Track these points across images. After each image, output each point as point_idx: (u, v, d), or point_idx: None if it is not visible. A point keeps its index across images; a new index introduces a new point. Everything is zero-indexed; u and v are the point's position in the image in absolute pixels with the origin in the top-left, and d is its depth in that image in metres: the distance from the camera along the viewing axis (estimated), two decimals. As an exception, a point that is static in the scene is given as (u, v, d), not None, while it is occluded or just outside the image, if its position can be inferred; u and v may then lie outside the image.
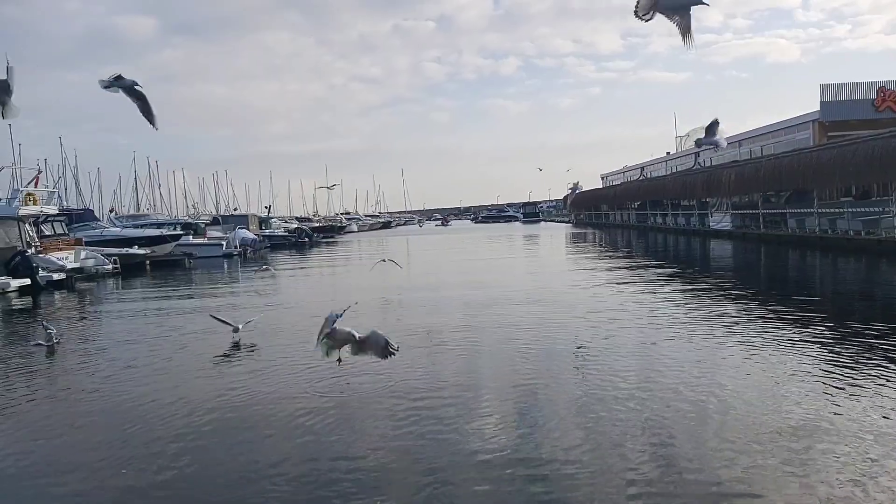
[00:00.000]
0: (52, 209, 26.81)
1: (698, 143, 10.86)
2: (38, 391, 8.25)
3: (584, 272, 20.44)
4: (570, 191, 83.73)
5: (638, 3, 6.50)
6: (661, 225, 46.74)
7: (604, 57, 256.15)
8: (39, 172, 31.25)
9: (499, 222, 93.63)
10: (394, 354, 6.62)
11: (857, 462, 4.76)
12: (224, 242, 35.55)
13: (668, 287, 15.62)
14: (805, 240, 25.70)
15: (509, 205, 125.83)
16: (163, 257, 30.51)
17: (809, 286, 16.42)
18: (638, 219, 53.99)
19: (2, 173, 30.30)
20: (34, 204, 23.99)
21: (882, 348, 8.14)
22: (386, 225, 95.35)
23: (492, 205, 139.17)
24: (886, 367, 7.24)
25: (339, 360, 6.55)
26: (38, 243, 24.01)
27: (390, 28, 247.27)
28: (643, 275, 18.62)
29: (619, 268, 21.33)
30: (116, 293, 21.48)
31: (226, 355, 9.67)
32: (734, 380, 7.09)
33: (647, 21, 6.50)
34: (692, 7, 6.38)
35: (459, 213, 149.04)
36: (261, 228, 47.14)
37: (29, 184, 26.45)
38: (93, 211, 47.95)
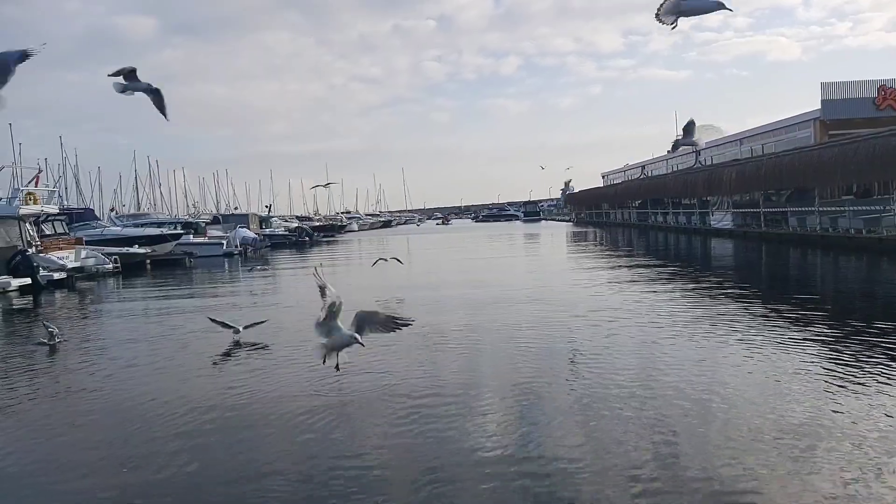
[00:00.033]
0: (53, 208, 26.84)
1: (676, 144, 10.93)
2: (38, 390, 8.25)
3: (584, 271, 20.44)
4: (561, 192, 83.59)
5: (660, 7, 6.54)
6: (661, 224, 46.70)
7: (604, 55, 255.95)
8: (40, 172, 31.31)
9: (499, 221, 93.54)
10: (406, 326, 6.29)
11: (859, 461, 4.75)
12: (224, 242, 35.54)
13: (669, 286, 15.60)
14: (806, 238, 25.68)
15: (510, 204, 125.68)
16: (163, 256, 30.51)
17: (810, 285, 16.41)
18: (639, 217, 53.96)
19: (2, 173, 30.35)
20: (35, 203, 24.00)
21: (883, 346, 8.12)
22: (386, 224, 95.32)
23: (492, 204, 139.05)
24: (888, 366, 7.22)
25: (337, 367, 6.37)
26: (39, 242, 24.01)
27: (390, 28, 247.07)
28: (644, 274, 18.60)
29: (620, 267, 21.32)
30: (117, 292, 21.49)
31: (226, 355, 9.67)
32: (735, 378, 7.09)
33: (672, 28, 6.55)
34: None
35: (460, 212, 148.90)
36: (261, 227, 47.10)
37: (29, 183, 26.49)
38: (93, 210, 48.01)
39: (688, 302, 12.85)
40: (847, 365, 7.37)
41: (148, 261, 28.95)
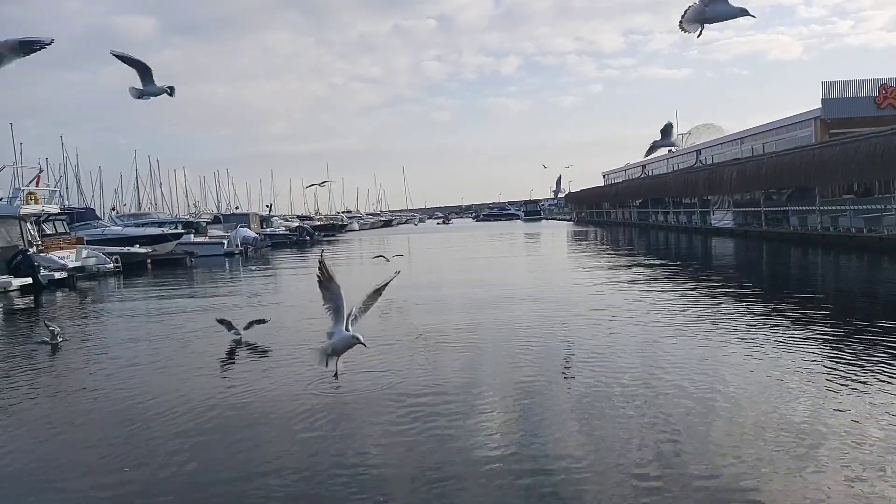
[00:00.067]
0: (54, 208, 26.83)
1: (654, 145, 11.06)
2: (39, 389, 8.24)
3: (585, 270, 20.43)
4: (552, 193, 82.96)
5: (683, 16, 6.58)
6: (662, 223, 46.68)
7: (605, 55, 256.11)
8: (41, 171, 31.29)
9: (500, 220, 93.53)
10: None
11: (861, 459, 4.74)
12: (225, 241, 35.55)
13: (670, 285, 15.59)
14: (807, 237, 25.66)
15: (511, 203, 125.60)
16: (164, 256, 30.50)
17: (811, 284, 16.39)
18: (639, 217, 53.95)
19: (3, 172, 30.32)
20: (35, 203, 24.00)
21: (884, 345, 8.12)
22: (387, 223, 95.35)
23: (493, 203, 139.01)
24: (889, 364, 7.21)
25: (336, 375, 6.29)
26: (40, 242, 24.02)
27: (390, 28, 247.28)
28: (645, 273, 18.59)
29: (621, 266, 21.30)
30: (118, 292, 21.49)
31: (227, 354, 9.66)
32: (737, 377, 7.08)
33: (697, 36, 6.62)
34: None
35: (461, 211, 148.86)
36: (262, 227, 47.11)
37: (30, 183, 26.45)
38: (94, 210, 48.03)
39: (689, 301, 12.84)
40: (848, 364, 7.36)
41: (149, 260, 28.94)
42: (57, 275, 22.03)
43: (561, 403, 6.46)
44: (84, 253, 25.02)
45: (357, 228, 77.04)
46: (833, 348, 8.27)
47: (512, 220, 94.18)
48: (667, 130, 10.54)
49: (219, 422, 6.37)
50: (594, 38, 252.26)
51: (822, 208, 25.54)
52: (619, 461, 4.94)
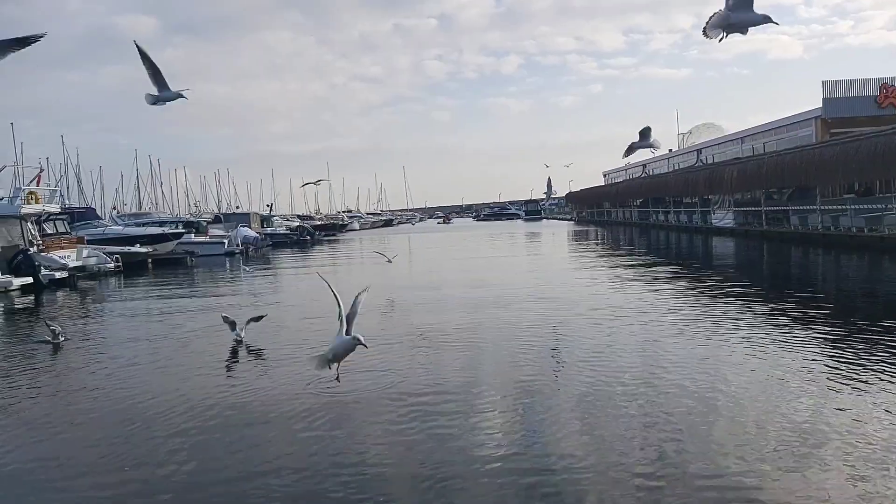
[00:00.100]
0: (55, 208, 26.83)
1: (632, 146, 11.25)
2: (39, 389, 8.24)
3: (586, 270, 20.41)
4: (544, 195, 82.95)
5: (707, 23, 6.64)
6: (663, 222, 46.65)
7: (605, 54, 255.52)
8: (41, 171, 31.29)
9: (501, 220, 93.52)
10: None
11: (863, 459, 4.73)
12: (226, 241, 35.56)
13: (671, 284, 15.58)
14: (807, 237, 25.64)
15: (511, 202, 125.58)
16: (165, 255, 30.53)
17: (812, 283, 16.38)
18: (640, 216, 53.93)
19: (4, 172, 30.35)
20: (36, 202, 24.00)
21: (885, 344, 8.10)
22: (388, 223, 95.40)
23: (494, 203, 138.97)
24: (890, 364, 7.20)
25: (338, 378, 6.23)
26: (41, 242, 24.03)
27: (391, 27, 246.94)
28: (645, 272, 18.58)
29: (622, 265, 21.29)
30: (118, 292, 21.49)
31: (227, 353, 9.66)
32: (738, 376, 7.07)
33: (719, 41, 6.68)
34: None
35: (461, 211, 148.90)
36: (263, 227, 47.14)
37: (31, 182, 26.47)
38: (95, 209, 48.06)
39: (689, 300, 12.83)
40: (850, 363, 7.35)
41: (149, 260, 28.97)
42: (58, 274, 22.05)
43: (562, 403, 6.45)
44: (85, 252, 25.04)
45: (357, 228, 77.09)
46: (834, 347, 8.26)
47: (512, 219, 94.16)
48: (645, 133, 10.92)
49: (219, 421, 6.36)
50: (594, 38, 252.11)
51: (822, 208, 25.51)
52: (620, 460, 4.94)
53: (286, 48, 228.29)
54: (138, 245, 29.22)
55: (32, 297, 19.41)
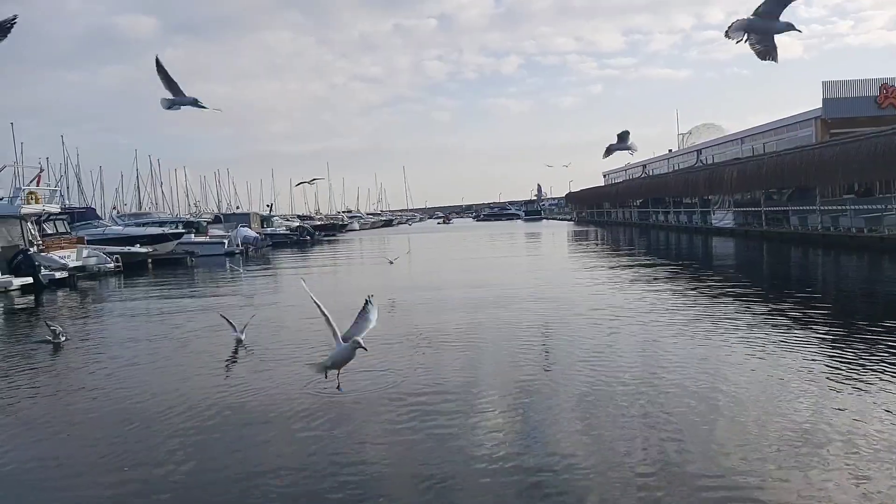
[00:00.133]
0: (55, 208, 26.81)
1: (610, 148, 11.59)
2: (39, 389, 8.23)
3: (586, 270, 20.42)
4: (535, 196, 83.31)
5: (730, 27, 6.72)
6: (663, 223, 46.66)
7: (605, 54, 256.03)
8: (41, 171, 31.24)
9: (501, 220, 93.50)
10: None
11: (864, 458, 4.72)
12: (226, 241, 35.54)
13: (671, 284, 15.57)
14: (807, 237, 25.64)
15: (511, 203, 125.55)
16: (165, 256, 30.51)
17: (812, 283, 16.37)
18: (640, 216, 53.93)
19: (4, 172, 30.33)
20: (36, 202, 23.98)
21: (885, 344, 8.10)
22: (388, 223, 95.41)
23: (494, 203, 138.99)
24: (890, 364, 7.20)
25: (339, 386, 6.17)
26: (41, 242, 24.01)
27: (391, 27, 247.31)
28: (645, 272, 18.57)
29: (622, 266, 21.29)
30: (118, 292, 21.48)
31: (227, 354, 9.65)
32: (739, 376, 7.06)
33: (736, 43, 6.79)
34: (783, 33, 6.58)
35: (461, 211, 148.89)
36: (262, 227, 47.13)
37: (31, 182, 26.44)
38: (95, 209, 48.03)
39: (689, 300, 12.82)
40: (849, 363, 7.35)
41: (149, 260, 28.94)
42: (57, 274, 22.02)
43: (562, 403, 6.44)
44: (85, 252, 25.02)
45: (357, 228, 77.09)
46: (834, 347, 8.25)
47: (512, 219, 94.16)
48: (623, 136, 11.59)
49: (218, 421, 6.36)
50: (594, 38, 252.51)
51: (822, 208, 25.51)
52: (621, 460, 4.93)
53: (286, 48, 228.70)
54: (138, 245, 29.20)
55: (32, 298, 19.39)
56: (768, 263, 22.35)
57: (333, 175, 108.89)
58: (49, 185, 30.48)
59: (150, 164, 64.39)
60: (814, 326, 9.59)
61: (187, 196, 65.10)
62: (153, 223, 37.47)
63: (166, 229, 33.95)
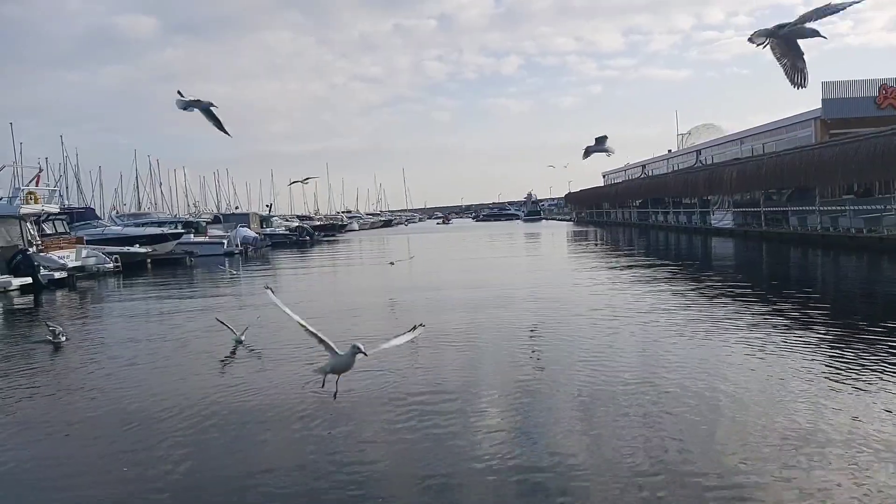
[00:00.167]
0: (54, 208, 26.82)
1: (588, 150, 11.92)
2: (38, 389, 8.22)
3: (585, 270, 20.42)
4: (526, 197, 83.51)
5: (755, 32, 6.79)
6: (662, 223, 46.67)
7: (605, 55, 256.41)
8: (40, 171, 31.21)
9: (500, 221, 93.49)
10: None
11: (865, 458, 4.72)
12: (225, 241, 35.53)
13: (670, 285, 15.57)
14: (807, 238, 25.64)
15: (511, 203, 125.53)
16: (164, 256, 30.50)
17: (811, 284, 16.37)
18: (639, 217, 53.95)
19: (3, 172, 30.30)
20: (35, 202, 23.98)
21: (885, 344, 8.10)
22: (387, 223, 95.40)
23: (493, 203, 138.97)
24: (890, 364, 7.20)
25: (335, 395, 6.12)
26: (40, 242, 24.00)
27: (391, 27, 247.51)
28: (645, 273, 18.57)
29: (621, 266, 21.29)
30: (117, 292, 21.47)
31: (226, 353, 9.65)
32: (738, 376, 7.06)
33: (757, 46, 6.87)
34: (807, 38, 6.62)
35: (461, 211, 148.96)
36: (262, 227, 47.12)
37: (30, 182, 26.42)
38: (94, 209, 48.03)
39: (689, 301, 12.82)
40: (849, 363, 7.35)
41: (148, 260, 28.94)
42: (57, 274, 22.01)
43: (562, 403, 6.44)
44: (84, 252, 25.01)
45: (357, 228, 77.08)
46: (834, 348, 8.25)
47: (512, 220, 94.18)
48: (601, 140, 11.98)
49: (217, 421, 6.35)
50: (594, 38, 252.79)
51: (821, 208, 25.52)
52: (621, 460, 4.92)
53: (286, 48, 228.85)
54: (137, 245, 29.20)
55: (31, 298, 19.38)
56: (768, 264, 22.35)
57: (333, 175, 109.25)
58: (48, 186, 30.47)
59: (149, 164, 64.40)
60: (813, 327, 9.59)
61: (186, 196, 65.03)
62: (152, 223, 37.44)
63: (165, 229, 33.93)
